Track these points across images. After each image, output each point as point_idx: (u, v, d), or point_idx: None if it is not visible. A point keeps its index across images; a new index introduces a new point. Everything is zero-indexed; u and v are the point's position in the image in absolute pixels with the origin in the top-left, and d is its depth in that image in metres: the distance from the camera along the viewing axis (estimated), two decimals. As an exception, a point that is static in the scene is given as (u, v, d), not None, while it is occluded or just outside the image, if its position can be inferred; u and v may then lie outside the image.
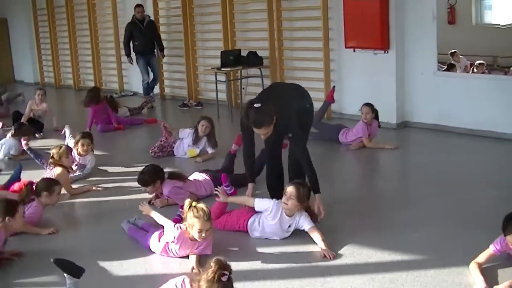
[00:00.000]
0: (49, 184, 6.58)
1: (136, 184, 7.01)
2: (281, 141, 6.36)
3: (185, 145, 8.93)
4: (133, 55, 13.73)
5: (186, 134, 8.98)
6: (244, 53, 12.12)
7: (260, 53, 12.02)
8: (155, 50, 13.85)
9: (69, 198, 7.35)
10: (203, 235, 5.13)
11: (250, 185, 6.25)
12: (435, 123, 9.87)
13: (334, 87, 9.77)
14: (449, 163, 8.17)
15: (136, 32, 13.43)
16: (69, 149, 7.78)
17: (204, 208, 5.16)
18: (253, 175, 6.31)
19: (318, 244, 5.45)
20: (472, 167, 7.97)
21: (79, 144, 8.30)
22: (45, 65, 19.41)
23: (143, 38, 13.45)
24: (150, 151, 9.07)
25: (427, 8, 9.69)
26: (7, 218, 5.44)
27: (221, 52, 12.01)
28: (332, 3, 10.85)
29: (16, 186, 7.28)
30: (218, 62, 11.92)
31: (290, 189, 5.54)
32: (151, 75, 13.80)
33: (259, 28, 12.33)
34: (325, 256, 5.27)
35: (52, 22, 18.50)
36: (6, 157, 9.28)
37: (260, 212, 5.78)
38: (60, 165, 7.43)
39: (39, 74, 19.55)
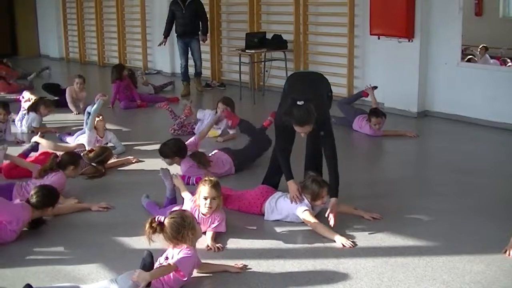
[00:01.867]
0: (74, 158, 6.70)
1: (154, 159, 7.11)
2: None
3: (206, 117, 8.97)
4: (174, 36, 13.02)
5: (206, 115, 9.02)
6: (269, 36, 12.15)
7: (284, 36, 12.05)
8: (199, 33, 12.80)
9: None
10: (208, 204, 5.25)
11: (290, 182, 5.87)
12: (456, 113, 9.87)
13: (374, 87, 9.64)
14: (467, 153, 8.19)
15: (177, 12, 12.54)
16: (111, 155, 7.63)
17: (212, 178, 5.35)
18: (290, 170, 5.99)
19: (354, 213, 5.85)
20: (489, 158, 8.00)
21: (98, 123, 8.25)
22: (71, 40, 19.53)
23: (182, 19, 12.51)
24: (170, 129, 9.18)
25: (454, -1, 9.69)
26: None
27: (246, 34, 12.04)
28: (359, -11, 10.87)
29: (33, 157, 7.40)
30: (242, 43, 11.97)
31: (325, 191, 5.67)
32: (195, 59, 12.83)
33: (285, 12, 12.37)
34: (374, 218, 5.76)
35: (79, -3, 18.62)
36: (29, 130, 9.42)
37: (273, 195, 5.90)
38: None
39: (64, 49, 19.67)
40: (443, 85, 10.01)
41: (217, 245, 5.17)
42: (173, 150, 6.87)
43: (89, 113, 8.17)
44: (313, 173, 5.87)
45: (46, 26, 20.23)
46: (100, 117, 8.28)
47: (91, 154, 7.25)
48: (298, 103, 5.53)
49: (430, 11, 9.95)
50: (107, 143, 8.30)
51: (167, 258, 4.51)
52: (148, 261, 4.35)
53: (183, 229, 4.47)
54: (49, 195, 5.62)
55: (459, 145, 8.66)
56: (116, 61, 16.85)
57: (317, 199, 5.65)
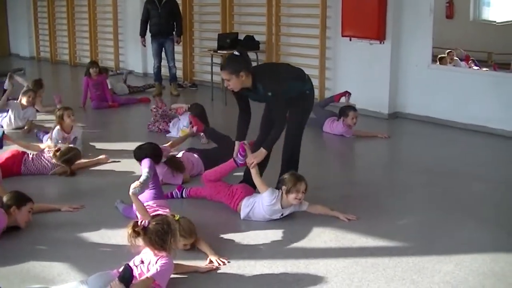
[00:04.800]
0: None
1: (128, 159, 7.11)
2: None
3: (180, 124, 9.00)
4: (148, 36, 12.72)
5: (185, 115, 9.07)
6: (241, 36, 12.15)
7: (257, 37, 12.06)
8: (173, 33, 12.60)
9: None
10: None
11: (237, 143, 6.12)
12: (427, 115, 9.95)
13: (349, 94, 9.61)
14: (439, 155, 8.26)
15: (153, 11, 12.25)
16: (79, 154, 7.60)
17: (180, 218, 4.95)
18: (241, 132, 6.19)
19: (331, 214, 5.82)
20: (461, 160, 8.04)
21: (65, 117, 8.22)
22: (42, 39, 19.38)
23: (158, 18, 12.23)
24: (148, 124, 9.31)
25: (425, 1, 9.74)
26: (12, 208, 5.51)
27: (218, 34, 12.03)
28: (330, -9, 10.92)
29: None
30: (215, 44, 11.96)
31: (303, 186, 5.64)
32: (169, 61, 12.63)
33: (257, 13, 12.38)
34: (349, 219, 5.75)
35: (50, -4, 18.49)
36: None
37: (254, 196, 5.91)
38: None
39: (35, 49, 19.52)
40: (414, 87, 10.09)
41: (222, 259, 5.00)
42: (147, 152, 6.84)
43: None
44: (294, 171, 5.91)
45: (17, 24, 20.04)
46: (70, 116, 8.26)
47: (58, 153, 7.23)
48: (235, 52, 5.82)
49: (402, 13, 10.02)
50: (75, 138, 8.24)
51: (142, 261, 4.40)
52: (127, 276, 4.19)
53: (167, 236, 4.34)
54: (17, 197, 5.60)
55: (430, 146, 8.75)
56: (87, 60, 16.69)
57: (291, 192, 5.62)
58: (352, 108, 9.07)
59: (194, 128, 8.27)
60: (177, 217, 4.79)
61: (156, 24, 12.32)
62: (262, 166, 6.17)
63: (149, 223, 4.39)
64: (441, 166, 7.70)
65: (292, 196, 5.62)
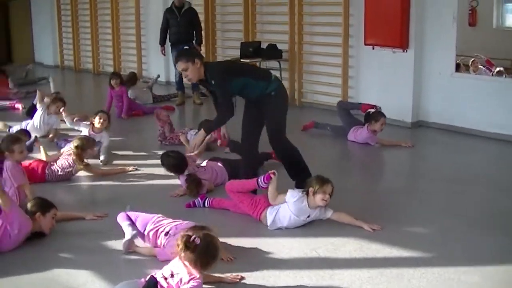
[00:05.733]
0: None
1: (150, 168, 7.15)
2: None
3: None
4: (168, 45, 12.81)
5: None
6: (264, 45, 12.18)
7: (279, 46, 12.08)
8: (193, 42, 12.45)
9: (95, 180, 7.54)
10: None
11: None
12: (450, 123, 9.90)
13: (377, 107, 9.39)
14: (462, 164, 8.21)
15: (172, 20, 12.31)
16: (94, 143, 7.85)
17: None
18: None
19: (355, 224, 5.78)
20: (485, 169, 8.00)
21: (97, 118, 8.59)
22: (66, 48, 19.56)
23: (177, 27, 12.25)
24: (158, 140, 9.27)
25: (448, 9, 9.70)
26: (37, 214, 5.56)
27: (241, 43, 12.07)
28: (353, 0, 10.90)
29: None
30: (237, 53, 11.98)
31: (329, 188, 5.67)
32: None
33: (280, 21, 12.39)
34: (373, 229, 5.69)
35: (74, 5, 18.64)
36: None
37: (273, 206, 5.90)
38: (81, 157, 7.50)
39: (59, 57, 19.71)
40: (437, 95, 10.04)
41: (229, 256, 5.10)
42: (171, 165, 6.88)
43: None
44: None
45: (41, 33, 20.28)
46: (101, 119, 8.59)
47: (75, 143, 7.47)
48: (185, 47, 6.00)
49: (425, 21, 9.99)
50: (99, 142, 8.40)
51: (172, 275, 4.29)
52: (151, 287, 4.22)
53: (212, 261, 4.28)
54: (41, 204, 5.66)
55: (454, 155, 8.70)
56: (110, 69, 16.93)
57: (318, 193, 5.63)
58: (383, 114, 9.06)
59: (219, 142, 8.28)
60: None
61: (175, 33, 12.35)
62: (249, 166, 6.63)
63: (199, 239, 4.25)
64: (465, 175, 7.65)
65: (319, 197, 5.64)
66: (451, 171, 7.88)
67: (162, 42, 12.72)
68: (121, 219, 5.51)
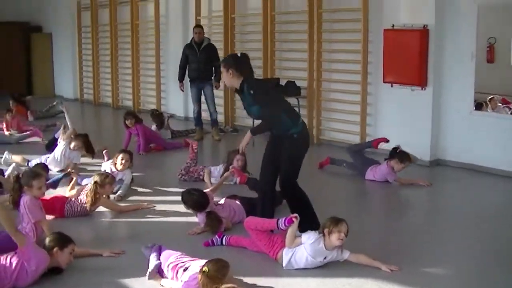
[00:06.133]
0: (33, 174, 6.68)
1: (167, 205, 7.21)
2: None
3: (216, 174, 8.94)
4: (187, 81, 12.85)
5: (217, 170, 9.04)
6: (282, 82, 12.21)
7: (298, 83, 12.10)
8: (212, 78, 12.55)
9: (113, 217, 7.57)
10: None
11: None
12: (469, 162, 9.85)
13: (387, 141, 9.53)
14: (481, 203, 8.17)
15: (191, 56, 12.39)
16: (114, 179, 7.90)
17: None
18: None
19: (373, 265, 5.72)
20: (504, 208, 7.97)
21: (119, 158, 8.68)
22: (85, 82, 19.76)
23: (197, 64, 12.33)
24: (178, 174, 9.23)
25: (466, 46, 9.74)
26: (55, 249, 5.58)
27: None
28: (372, 37, 10.95)
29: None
30: (256, 89, 11.97)
31: (344, 227, 5.65)
32: (209, 106, 12.67)
33: (299, 58, 12.43)
34: (391, 270, 5.63)
35: (95, 39, 18.84)
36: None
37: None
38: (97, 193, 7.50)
39: (79, 90, 19.91)
40: (456, 133, 10.02)
41: None
42: (194, 202, 6.88)
43: None
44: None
45: (62, 66, 20.53)
46: (123, 159, 8.69)
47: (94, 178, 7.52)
48: (238, 53, 6.60)
49: (443, 59, 10.02)
50: (121, 180, 8.48)
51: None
52: None
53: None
54: (59, 239, 5.69)
55: (473, 194, 8.66)
56: (129, 103, 17.09)
57: (333, 233, 5.61)
58: (410, 159, 9.03)
59: (238, 179, 8.31)
60: (206, 270, 4.90)
61: (195, 69, 12.40)
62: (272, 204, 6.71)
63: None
64: (484, 214, 7.61)
65: (334, 236, 5.61)
66: (470, 210, 7.85)
67: (181, 78, 12.78)
68: (148, 251, 5.71)
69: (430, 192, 8.82)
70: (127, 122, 11.38)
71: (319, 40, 11.82)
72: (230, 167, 8.60)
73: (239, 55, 6.54)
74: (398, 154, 9.01)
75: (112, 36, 17.93)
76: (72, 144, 9.76)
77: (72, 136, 9.86)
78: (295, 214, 5.87)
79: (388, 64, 10.44)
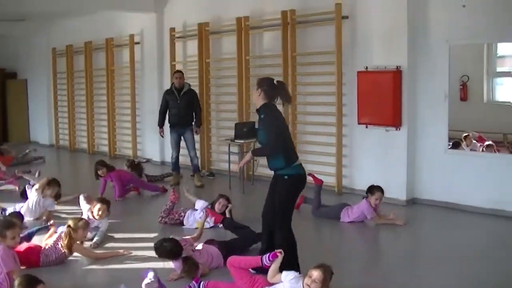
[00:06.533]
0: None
1: (143, 251, 7.21)
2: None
3: (197, 216, 8.97)
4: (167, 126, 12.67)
5: (200, 206, 9.08)
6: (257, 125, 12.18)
7: (273, 126, 12.06)
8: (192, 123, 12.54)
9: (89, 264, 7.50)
10: None
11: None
12: (445, 200, 9.93)
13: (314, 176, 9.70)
14: (458, 241, 8.20)
15: (172, 102, 12.29)
16: (87, 224, 7.85)
17: None
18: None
19: None
20: (480, 245, 8.01)
21: (96, 208, 8.62)
22: (61, 127, 19.76)
23: (177, 109, 12.25)
24: (158, 217, 9.19)
25: (440, 86, 9.88)
26: None
27: (235, 124, 12.04)
28: (346, 79, 11.05)
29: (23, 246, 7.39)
30: (232, 133, 12.02)
31: (317, 274, 5.57)
32: (190, 152, 12.53)
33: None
34: None
35: (70, 85, 18.92)
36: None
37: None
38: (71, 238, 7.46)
39: (54, 136, 19.88)
40: (431, 172, 10.12)
41: None
42: (167, 252, 6.85)
43: None
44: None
45: (37, 112, 20.62)
46: (100, 210, 8.62)
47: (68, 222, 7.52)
48: (276, 79, 6.72)
49: (417, 99, 10.15)
50: (97, 227, 8.46)
51: None
52: None
53: None
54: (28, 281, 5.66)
55: (449, 232, 8.69)
56: (105, 149, 17.05)
57: (307, 276, 5.60)
58: (381, 190, 9.14)
59: (212, 220, 8.32)
60: None
61: (175, 114, 12.31)
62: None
63: None
64: (461, 252, 7.65)
65: (307, 279, 5.60)
66: (448, 248, 7.87)
67: (161, 124, 12.65)
68: None
69: (407, 232, 8.82)
70: (99, 172, 11.30)
71: (293, 83, 11.90)
72: (205, 208, 8.66)
73: (276, 81, 6.68)
74: (369, 188, 9.16)
75: (87, 82, 17.99)
76: (46, 192, 9.69)
77: (44, 184, 9.77)
78: (280, 250, 5.89)
79: (362, 106, 10.53)
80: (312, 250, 6.63)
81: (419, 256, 7.76)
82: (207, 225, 8.71)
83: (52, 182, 9.90)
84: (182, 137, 12.51)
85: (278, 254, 5.82)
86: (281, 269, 5.89)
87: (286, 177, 6.48)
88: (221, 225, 8.42)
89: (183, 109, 12.28)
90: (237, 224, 8.21)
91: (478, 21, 9.41)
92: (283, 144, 6.49)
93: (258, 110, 6.62)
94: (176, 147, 12.54)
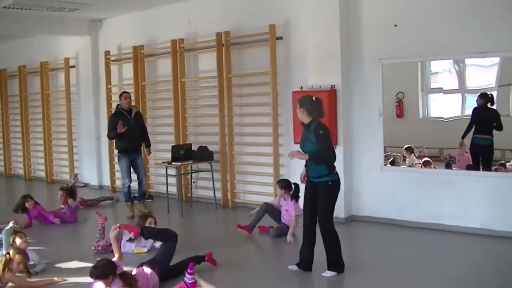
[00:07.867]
0: None
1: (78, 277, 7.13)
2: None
3: (132, 245, 8.85)
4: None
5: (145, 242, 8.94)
6: (195, 147, 12.19)
7: (210, 147, 12.10)
8: (141, 148, 11.99)
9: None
10: None
11: None
12: (383, 216, 10.06)
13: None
14: (397, 256, 8.26)
15: (124, 123, 11.21)
16: (25, 258, 7.59)
17: None
18: None
19: None
20: (418, 260, 8.05)
21: (17, 237, 8.29)
22: (-4, 154, 19.35)
23: (129, 130, 11.27)
24: (93, 248, 9.00)
25: (374, 104, 10.02)
26: None
27: (172, 146, 11.97)
28: (282, 100, 11.13)
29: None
30: (169, 156, 11.93)
31: None
32: (141, 177, 11.86)
33: (211, 123, 12.47)
34: None
35: (4, 110, 18.58)
36: None
37: None
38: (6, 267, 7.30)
39: (-12, 164, 19.48)
40: (368, 189, 10.24)
41: None
42: (103, 268, 6.72)
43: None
44: None
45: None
46: (22, 239, 8.29)
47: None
48: (314, 97, 7.45)
49: (352, 117, 10.26)
50: (34, 264, 8.15)
51: None
52: None
53: None
54: None
55: (388, 248, 8.75)
56: (42, 174, 16.76)
57: None
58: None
59: (132, 234, 8.21)
60: None
61: (127, 138, 11.38)
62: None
63: None
64: (400, 267, 7.71)
65: None
66: (387, 264, 7.91)
67: (116, 135, 11.41)
68: None
69: (346, 249, 8.81)
70: (27, 204, 10.89)
71: (229, 105, 11.93)
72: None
73: (314, 99, 7.39)
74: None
75: (22, 107, 17.70)
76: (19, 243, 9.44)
77: None
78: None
79: (298, 125, 10.53)
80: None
81: (360, 272, 7.72)
82: (144, 249, 8.68)
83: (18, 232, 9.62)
84: (132, 163, 11.72)
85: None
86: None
87: (330, 183, 7.36)
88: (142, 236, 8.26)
89: (135, 131, 11.50)
90: (155, 230, 8.33)
91: (409, 40, 9.57)
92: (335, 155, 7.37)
93: (307, 125, 7.38)
94: (128, 175, 11.66)
